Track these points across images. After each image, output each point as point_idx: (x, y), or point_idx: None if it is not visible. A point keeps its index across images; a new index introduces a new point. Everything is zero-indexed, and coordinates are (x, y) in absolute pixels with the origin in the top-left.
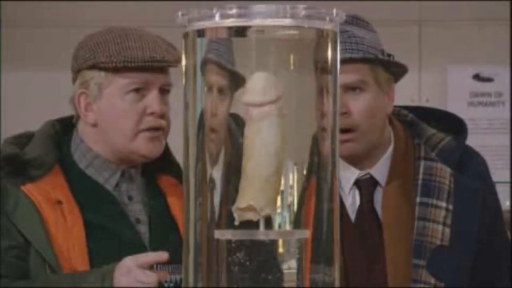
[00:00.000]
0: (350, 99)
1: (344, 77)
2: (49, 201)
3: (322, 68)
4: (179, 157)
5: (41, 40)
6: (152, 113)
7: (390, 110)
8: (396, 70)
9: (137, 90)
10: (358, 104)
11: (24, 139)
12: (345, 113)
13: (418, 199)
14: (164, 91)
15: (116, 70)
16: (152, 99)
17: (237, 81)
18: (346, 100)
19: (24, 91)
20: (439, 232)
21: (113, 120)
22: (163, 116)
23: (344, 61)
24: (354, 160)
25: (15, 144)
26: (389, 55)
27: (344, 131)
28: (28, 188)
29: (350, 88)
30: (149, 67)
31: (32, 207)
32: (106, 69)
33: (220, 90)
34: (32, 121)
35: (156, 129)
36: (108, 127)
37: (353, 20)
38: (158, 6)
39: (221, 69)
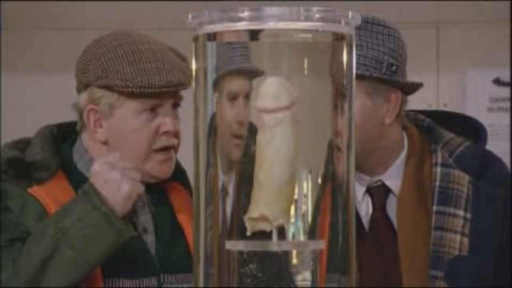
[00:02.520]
0: None
1: None
2: (58, 203)
3: (337, 73)
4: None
5: (42, 43)
6: (165, 132)
7: (391, 118)
8: (400, 80)
9: (150, 109)
10: None
11: (22, 144)
12: None
13: (434, 208)
14: (175, 106)
15: (131, 94)
16: (166, 119)
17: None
18: None
19: (24, 94)
20: (457, 242)
21: (125, 139)
22: (176, 134)
23: None
24: (359, 166)
25: (15, 148)
26: (391, 65)
27: None
28: (35, 190)
29: None
30: (166, 92)
31: (41, 208)
32: (120, 92)
33: (247, 97)
34: (33, 125)
35: (168, 148)
36: (119, 146)
37: (361, 24)
38: (163, 7)
39: (244, 75)
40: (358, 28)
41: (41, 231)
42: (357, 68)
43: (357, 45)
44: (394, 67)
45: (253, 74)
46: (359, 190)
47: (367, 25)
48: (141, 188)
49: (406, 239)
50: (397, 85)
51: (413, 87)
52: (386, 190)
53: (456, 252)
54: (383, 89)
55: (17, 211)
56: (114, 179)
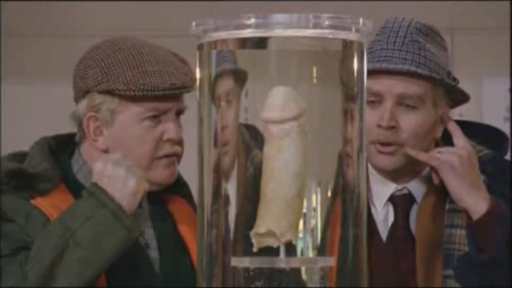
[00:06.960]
0: (402, 113)
1: (403, 87)
2: None
3: (347, 82)
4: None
5: (43, 50)
6: (168, 140)
7: (439, 135)
8: (457, 97)
9: (153, 116)
10: (408, 121)
11: (19, 157)
12: (393, 127)
13: (447, 206)
14: (178, 114)
15: (133, 98)
16: (169, 125)
17: (241, 78)
18: (398, 114)
19: (24, 104)
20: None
21: (127, 147)
22: (179, 142)
23: (407, 73)
24: (390, 174)
25: (14, 160)
26: (454, 79)
27: (385, 144)
28: (38, 201)
29: (405, 103)
30: (169, 95)
31: (45, 219)
32: (121, 96)
33: (227, 98)
34: (33, 134)
35: (171, 155)
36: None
37: (428, 31)
38: (166, 13)
39: (224, 75)
40: (424, 34)
41: (47, 233)
42: (432, 72)
43: (427, 51)
44: (455, 81)
45: (238, 73)
46: (380, 198)
47: (432, 33)
48: (146, 185)
49: (423, 251)
50: (456, 97)
51: (461, 101)
52: (411, 199)
53: (467, 248)
54: (445, 103)
55: (21, 222)
56: (119, 175)
